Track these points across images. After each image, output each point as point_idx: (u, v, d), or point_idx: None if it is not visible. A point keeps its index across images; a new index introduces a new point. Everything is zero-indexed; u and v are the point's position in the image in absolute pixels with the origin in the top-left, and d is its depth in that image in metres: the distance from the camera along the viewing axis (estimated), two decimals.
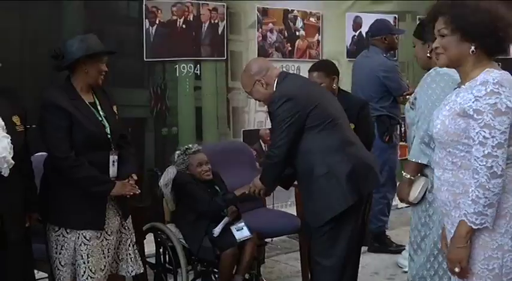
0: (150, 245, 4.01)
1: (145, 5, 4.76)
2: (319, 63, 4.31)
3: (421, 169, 3.03)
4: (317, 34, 5.95)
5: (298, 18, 5.81)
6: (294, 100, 3.20)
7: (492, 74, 2.28)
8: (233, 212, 3.83)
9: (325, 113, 3.26)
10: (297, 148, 3.24)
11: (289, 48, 5.75)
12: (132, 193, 3.21)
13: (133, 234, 3.41)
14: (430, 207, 3.02)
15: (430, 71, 3.06)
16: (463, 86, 2.37)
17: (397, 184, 3.41)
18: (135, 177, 3.26)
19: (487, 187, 2.22)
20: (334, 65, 4.11)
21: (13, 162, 2.80)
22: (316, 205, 3.25)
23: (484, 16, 2.30)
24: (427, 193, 3.02)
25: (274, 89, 3.33)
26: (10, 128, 2.87)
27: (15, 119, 2.95)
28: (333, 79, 3.94)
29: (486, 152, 2.22)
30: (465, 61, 2.37)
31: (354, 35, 6.24)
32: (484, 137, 2.23)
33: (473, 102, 2.26)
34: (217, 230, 3.70)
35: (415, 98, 3.13)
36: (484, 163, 2.22)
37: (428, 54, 3.03)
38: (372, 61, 4.95)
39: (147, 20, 4.79)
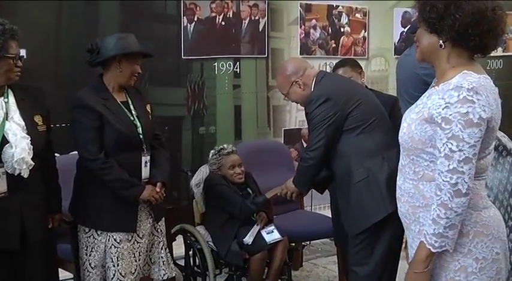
0: (180, 246, 3.96)
1: (183, 2, 4.70)
2: (342, 60, 4.22)
3: None
4: (363, 30, 5.78)
5: (343, 14, 5.65)
6: (333, 100, 3.06)
7: (469, 77, 2.03)
8: (262, 219, 3.74)
9: (365, 115, 3.10)
10: (335, 151, 3.11)
11: (333, 45, 5.59)
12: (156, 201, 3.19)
13: (165, 237, 3.36)
14: None
15: None
16: (436, 87, 2.13)
17: None
18: (158, 188, 3.21)
19: (449, 206, 1.99)
20: (357, 61, 4.08)
21: (33, 163, 2.77)
22: (355, 211, 3.07)
23: (449, 4, 2.06)
24: None
25: (312, 89, 3.20)
26: (31, 128, 2.84)
27: (37, 118, 2.91)
28: (360, 73, 3.89)
29: (451, 166, 1.98)
30: (437, 57, 2.14)
31: (403, 32, 6.02)
32: (450, 149, 1.99)
33: (443, 109, 2.01)
34: (248, 240, 3.63)
35: None
36: (448, 179, 1.99)
37: None
38: (413, 58, 4.73)
39: (185, 17, 4.72)
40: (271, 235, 3.71)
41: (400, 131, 2.21)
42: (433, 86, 2.20)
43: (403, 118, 2.24)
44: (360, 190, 3.04)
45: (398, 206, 2.27)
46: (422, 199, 2.13)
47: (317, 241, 4.72)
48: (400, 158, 2.25)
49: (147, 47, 3.41)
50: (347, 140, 3.09)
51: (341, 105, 3.06)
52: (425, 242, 2.05)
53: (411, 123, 2.14)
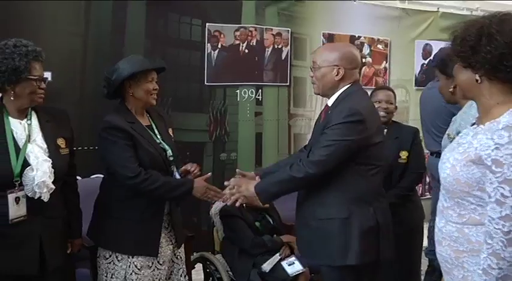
0: (198, 273, 3.85)
1: (207, 29, 4.64)
2: (384, 86, 4.07)
3: None
4: (384, 61, 5.71)
5: (365, 44, 5.59)
6: (365, 125, 2.70)
7: None
8: (285, 250, 3.62)
9: (378, 156, 2.81)
10: (329, 175, 2.72)
11: None
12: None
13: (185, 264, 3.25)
14: None
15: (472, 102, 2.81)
16: (481, 126, 1.97)
17: None
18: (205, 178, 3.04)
19: (502, 255, 1.81)
20: None
21: (53, 187, 2.68)
22: (315, 243, 2.79)
23: (480, 36, 1.90)
24: None
25: (340, 91, 2.82)
26: (53, 151, 2.76)
27: (60, 141, 2.83)
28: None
29: (504, 213, 1.81)
30: (478, 93, 1.98)
31: (424, 63, 5.95)
32: (502, 195, 1.81)
33: (492, 150, 1.84)
34: (267, 267, 3.50)
35: (458, 133, 2.78)
36: (501, 227, 1.81)
37: (450, 90, 2.85)
38: (436, 92, 4.63)
39: (209, 44, 4.66)
40: (293, 267, 3.59)
41: (442, 171, 2.05)
42: (475, 124, 2.05)
43: (445, 157, 2.07)
44: (332, 226, 2.74)
45: (437, 249, 2.10)
46: (467, 243, 1.96)
47: None
48: (441, 199, 2.09)
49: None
50: (345, 172, 2.73)
51: (369, 134, 2.73)
52: None
53: (456, 165, 1.97)
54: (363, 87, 5.21)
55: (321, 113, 3.01)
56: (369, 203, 2.75)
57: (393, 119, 4.06)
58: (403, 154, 3.62)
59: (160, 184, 2.91)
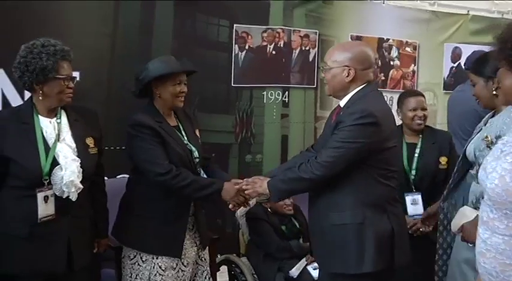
0: (222, 274, 3.82)
1: (235, 30, 4.62)
2: (412, 91, 4.06)
3: None
4: (413, 64, 5.64)
5: (394, 47, 5.52)
6: (379, 128, 2.59)
7: None
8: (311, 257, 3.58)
9: (392, 160, 2.71)
10: (343, 179, 2.64)
11: (383, 78, 5.46)
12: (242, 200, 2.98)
13: (209, 266, 3.23)
14: None
15: None
16: None
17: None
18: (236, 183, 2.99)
19: None
20: None
21: (81, 186, 2.68)
22: (328, 250, 2.71)
23: None
24: None
25: (353, 92, 2.71)
26: (82, 150, 2.76)
27: (89, 140, 2.83)
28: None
29: None
30: None
31: (452, 67, 5.86)
32: None
33: None
34: (295, 272, 3.46)
35: (497, 137, 2.70)
36: None
37: (494, 92, 2.64)
38: (467, 95, 4.53)
39: (236, 46, 4.64)
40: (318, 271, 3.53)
41: (487, 181, 1.95)
42: None
43: (489, 166, 1.98)
44: (346, 232, 2.65)
45: (480, 261, 2.01)
46: None
47: None
48: (485, 209, 2.00)
49: (192, 67, 3.29)
50: (358, 176, 2.64)
51: (382, 137, 2.62)
52: None
53: (505, 175, 1.88)
54: (391, 90, 5.31)
55: (331, 113, 2.93)
56: (383, 208, 2.67)
57: None
58: (443, 160, 3.55)
59: (190, 181, 2.87)
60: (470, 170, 2.97)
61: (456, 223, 2.84)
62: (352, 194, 2.64)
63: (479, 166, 2.85)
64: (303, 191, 2.81)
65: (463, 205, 2.95)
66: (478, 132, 2.92)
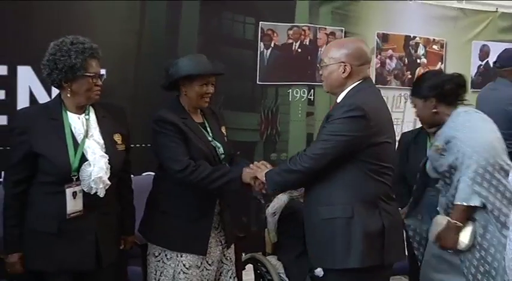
0: (248, 273, 3.78)
1: (261, 27, 4.60)
2: None
3: (470, 214, 2.77)
4: (440, 62, 5.57)
5: (421, 45, 5.47)
6: (368, 121, 2.56)
7: None
8: None
9: (385, 156, 2.66)
10: (335, 173, 2.63)
11: (409, 76, 5.40)
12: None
13: (234, 265, 3.21)
14: (487, 254, 2.75)
15: (457, 111, 2.89)
16: None
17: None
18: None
19: None
20: None
21: (109, 182, 2.68)
22: (318, 244, 2.70)
23: None
24: (477, 237, 2.77)
25: (349, 88, 2.70)
26: (110, 147, 2.77)
27: (117, 137, 2.83)
28: None
29: None
30: None
31: (480, 65, 5.78)
32: None
33: None
34: (320, 273, 3.40)
35: (446, 142, 2.84)
36: None
37: (434, 110, 2.91)
38: (500, 94, 4.46)
39: (262, 43, 4.62)
40: None
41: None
42: None
43: None
44: (335, 226, 2.63)
45: (510, 264, 1.99)
46: None
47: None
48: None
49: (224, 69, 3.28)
50: (353, 172, 2.62)
51: (371, 131, 2.58)
52: None
53: None
54: None
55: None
56: (374, 204, 2.64)
57: None
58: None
59: (208, 173, 2.86)
60: (436, 185, 3.05)
61: (433, 233, 2.91)
62: (343, 188, 2.63)
63: (445, 176, 2.89)
64: (295, 184, 2.82)
65: (430, 219, 3.02)
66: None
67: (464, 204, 2.76)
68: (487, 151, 2.74)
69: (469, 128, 2.81)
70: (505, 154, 2.82)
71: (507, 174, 2.73)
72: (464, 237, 2.78)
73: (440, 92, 2.96)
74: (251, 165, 2.96)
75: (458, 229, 2.78)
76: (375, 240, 2.62)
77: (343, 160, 2.60)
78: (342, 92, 2.73)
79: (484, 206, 2.75)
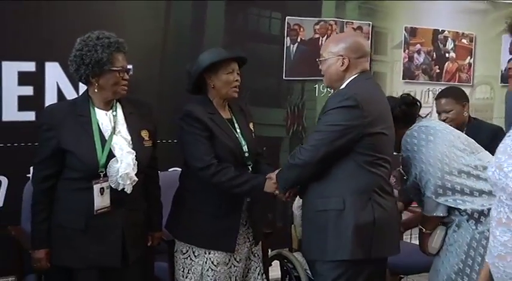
0: (274, 269, 3.76)
1: (287, 22, 4.55)
2: (448, 89, 3.93)
3: (438, 221, 2.93)
4: (469, 57, 5.47)
5: (449, 39, 5.37)
6: (361, 111, 2.56)
7: None
8: None
9: (380, 148, 2.64)
10: (330, 166, 2.62)
11: (437, 70, 5.31)
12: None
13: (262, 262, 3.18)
14: (461, 251, 2.87)
15: (407, 133, 2.94)
16: None
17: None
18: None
19: None
20: (464, 92, 3.78)
21: (136, 179, 2.68)
22: (310, 237, 2.72)
23: None
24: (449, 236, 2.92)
25: (348, 80, 2.72)
26: (137, 143, 2.76)
27: (144, 133, 2.82)
28: (464, 106, 3.65)
29: None
30: None
31: (510, 59, 5.65)
32: None
33: None
34: None
35: (404, 165, 2.99)
36: None
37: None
38: None
39: (288, 38, 4.57)
40: None
41: (504, 180, 1.86)
42: None
43: (506, 165, 1.89)
44: (327, 218, 2.62)
45: (499, 264, 1.91)
46: None
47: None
48: (505, 210, 1.90)
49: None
50: (344, 163, 2.61)
51: (365, 121, 2.57)
52: None
53: None
54: (446, 83, 5.16)
55: None
56: (367, 196, 2.62)
57: (476, 116, 3.90)
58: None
59: (229, 177, 2.83)
60: None
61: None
62: (337, 180, 2.62)
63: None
64: (298, 180, 2.75)
65: None
66: None
67: (430, 215, 2.91)
68: (439, 162, 2.81)
69: (418, 146, 2.88)
70: (465, 155, 2.89)
71: (470, 174, 2.83)
72: (433, 241, 2.95)
73: (395, 115, 2.92)
74: (272, 174, 2.89)
75: (428, 235, 2.96)
76: (366, 233, 2.61)
77: (340, 151, 2.59)
78: (341, 85, 2.73)
79: (454, 209, 2.86)
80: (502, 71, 5.64)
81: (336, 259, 2.63)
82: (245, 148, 3.00)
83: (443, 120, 3.57)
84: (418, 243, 3.93)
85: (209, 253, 2.94)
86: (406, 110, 3.03)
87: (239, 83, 2.99)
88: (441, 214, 2.87)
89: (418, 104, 3.10)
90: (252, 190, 2.88)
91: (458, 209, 2.85)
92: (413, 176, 2.91)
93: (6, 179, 3.62)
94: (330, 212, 2.62)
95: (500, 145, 2.00)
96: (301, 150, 2.65)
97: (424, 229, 2.99)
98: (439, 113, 3.71)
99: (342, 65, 2.71)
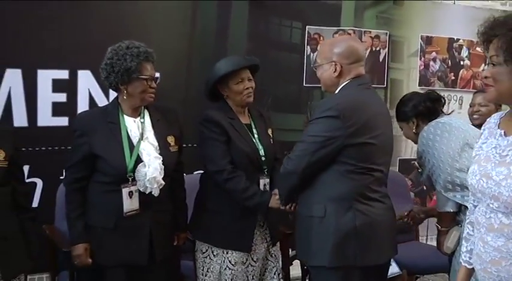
0: (295, 267, 3.78)
1: (307, 31, 4.59)
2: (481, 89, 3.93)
3: (453, 218, 2.88)
4: (483, 64, 5.42)
5: (464, 47, 5.34)
6: (342, 121, 2.45)
7: None
8: None
9: (364, 157, 2.52)
10: (315, 174, 2.55)
11: (452, 77, 5.29)
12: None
13: (280, 262, 3.20)
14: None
15: (425, 128, 2.93)
16: None
17: None
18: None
19: None
20: None
21: (163, 182, 2.72)
22: (300, 240, 2.67)
23: None
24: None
25: (340, 86, 2.62)
26: (164, 148, 2.81)
27: (170, 139, 2.87)
28: (497, 109, 3.53)
29: None
30: None
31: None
32: None
33: None
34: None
35: (420, 158, 2.96)
36: None
37: (414, 131, 3.03)
38: None
39: (308, 47, 4.60)
40: (390, 268, 3.42)
41: (496, 189, 1.81)
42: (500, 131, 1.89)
43: (495, 173, 1.83)
44: (310, 224, 2.57)
45: (492, 270, 1.85)
46: None
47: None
48: (498, 216, 1.84)
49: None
50: (325, 171, 2.53)
51: (347, 132, 2.46)
52: None
53: None
54: (461, 90, 5.15)
55: None
56: (348, 204, 2.51)
57: None
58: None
59: (239, 188, 2.87)
60: None
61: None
62: (319, 188, 2.55)
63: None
64: (291, 188, 2.65)
65: None
66: None
67: (441, 211, 2.89)
68: (450, 159, 2.79)
69: (433, 141, 2.87)
70: None
71: None
72: (449, 241, 2.88)
73: (420, 111, 3.01)
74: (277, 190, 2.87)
75: (443, 233, 2.91)
76: (347, 240, 2.52)
77: (323, 161, 2.50)
78: (336, 91, 2.66)
79: (465, 208, 2.74)
80: None
81: (316, 264, 2.60)
82: (262, 152, 3.02)
83: (474, 112, 3.63)
84: (434, 244, 3.95)
85: (227, 253, 2.97)
86: (431, 106, 3.03)
87: (252, 89, 3.01)
88: (451, 210, 2.85)
89: (443, 100, 3.10)
90: (257, 206, 2.92)
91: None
92: (427, 170, 2.92)
93: (41, 181, 3.70)
94: (314, 218, 2.56)
95: (477, 153, 1.95)
96: (288, 160, 2.58)
97: (439, 226, 2.96)
98: (472, 105, 3.70)
99: (334, 71, 2.61)
